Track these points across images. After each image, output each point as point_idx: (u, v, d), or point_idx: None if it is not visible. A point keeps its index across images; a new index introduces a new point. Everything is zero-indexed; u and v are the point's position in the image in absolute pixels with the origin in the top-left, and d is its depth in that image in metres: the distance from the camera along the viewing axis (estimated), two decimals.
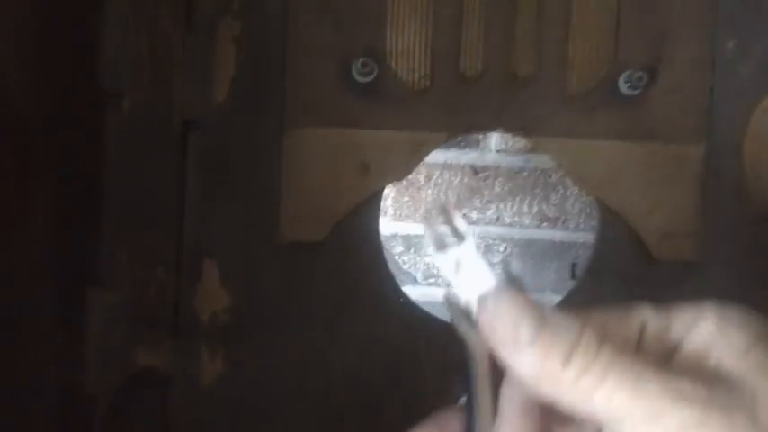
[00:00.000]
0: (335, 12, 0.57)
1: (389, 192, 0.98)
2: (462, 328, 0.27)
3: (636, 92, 0.58)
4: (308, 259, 0.58)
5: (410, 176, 0.64)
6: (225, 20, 0.57)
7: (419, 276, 1.00)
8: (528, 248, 0.97)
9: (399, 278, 0.93)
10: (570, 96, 0.58)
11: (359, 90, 0.57)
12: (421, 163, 0.59)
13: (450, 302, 0.28)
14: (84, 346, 0.54)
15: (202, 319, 0.58)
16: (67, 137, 0.53)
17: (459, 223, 0.27)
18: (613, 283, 0.60)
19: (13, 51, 0.48)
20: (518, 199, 0.98)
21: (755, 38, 0.59)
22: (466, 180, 0.98)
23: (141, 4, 0.55)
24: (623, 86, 0.57)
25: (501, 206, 0.99)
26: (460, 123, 0.59)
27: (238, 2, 0.57)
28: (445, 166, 0.98)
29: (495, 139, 0.97)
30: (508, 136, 0.94)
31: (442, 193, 0.98)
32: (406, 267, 0.99)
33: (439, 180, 0.98)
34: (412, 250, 1.00)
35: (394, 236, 0.99)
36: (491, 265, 0.27)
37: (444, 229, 0.27)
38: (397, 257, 0.99)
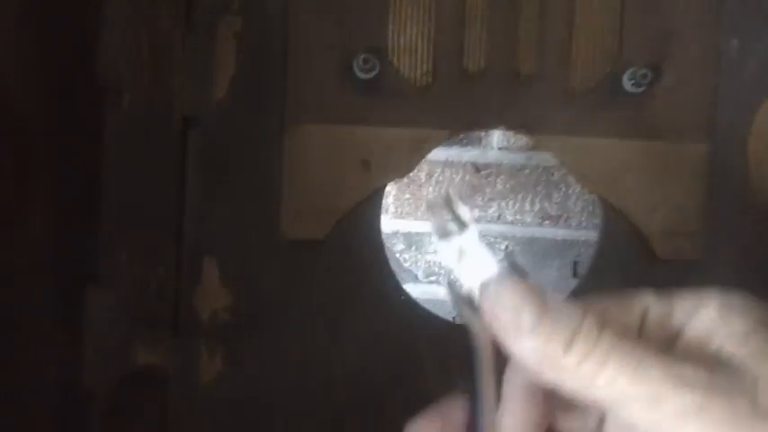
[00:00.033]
0: (337, 7, 0.57)
1: (390, 189, 0.98)
2: (465, 315, 0.27)
3: (640, 90, 0.57)
4: (309, 257, 0.58)
5: (411, 174, 0.63)
6: (225, 16, 0.57)
7: (420, 274, 0.99)
8: (530, 246, 0.97)
9: (400, 276, 0.93)
10: (573, 94, 0.58)
11: (360, 87, 0.57)
12: (422, 160, 0.59)
13: (453, 290, 0.28)
14: (83, 344, 0.54)
15: (202, 317, 0.58)
16: (67, 135, 0.53)
17: (463, 212, 0.28)
18: (616, 281, 0.59)
19: (12, 49, 0.48)
20: (520, 197, 0.98)
21: (760, 36, 0.58)
22: (467, 177, 0.98)
23: (141, 2, 0.55)
24: (627, 84, 0.57)
25: (503, 204, 0.98)
26: (463, 120, 0.58)
27: None
28: (447, 164, 0.98)
29: (497, 137, 0.97)
30: (510, 133, 0.93)
31: (443, 191, 0.98)
32: (407, 265, 0.99)
33: (440, 177, 0.98)
34: (413, 248, 0.99)
35: (395, 233, 0.99)
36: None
37: (448, 217, 0.28)
38: (398, 255, 0.99)
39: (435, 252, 0.98)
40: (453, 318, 0.65)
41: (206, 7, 0.56)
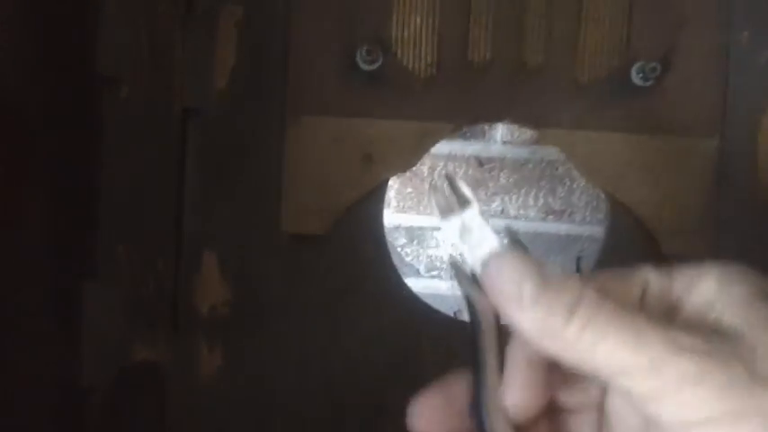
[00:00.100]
0: None
1: (393, 183, 0.97)
2: (467, 290, 0.28)
3: (648, 83, 0.57)
4: (310, 252, 0.57)
5: (414, 167, 0.63)
6: (226, 6, 0.56)
7: (422, 269, 0.99)
8: (533, 241, 0.96)
9: (402, 270, 0.92)
10: (580, 87, 0.57)
11: (363, 78, 0.56)
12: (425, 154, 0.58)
13: (456, 266, 0.28)
14: (81, 340, 0.54)
15: (201, 312, 0.57)
16: (65, 127, 0.52)
17: (464, 189, 0.28)
18: None
19: (10, 41, 0.48)
20: (523, 191, 0.97)
21: None
22: (471, 171, 0.97)
23: None
24: (636, 77, 0.56)
25: (506, 198, 0.98)
26: (467, 113, 0.58)
27: None
28: (450, 157, 0.97)
29: (501, 130, 0.96)
30: (514, 127, 0.93)
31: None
32: (408, 259, 0.99)
33: (443, 171, 0.97)
34: (415, 242, 0.99)
35: (397, 228, 0.98)
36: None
37: (449, 194, 0.28)
38: (399, 249, 0.98)
39: (437, 246, 0.97)
40: (455, 313, 0.64)
41: None
